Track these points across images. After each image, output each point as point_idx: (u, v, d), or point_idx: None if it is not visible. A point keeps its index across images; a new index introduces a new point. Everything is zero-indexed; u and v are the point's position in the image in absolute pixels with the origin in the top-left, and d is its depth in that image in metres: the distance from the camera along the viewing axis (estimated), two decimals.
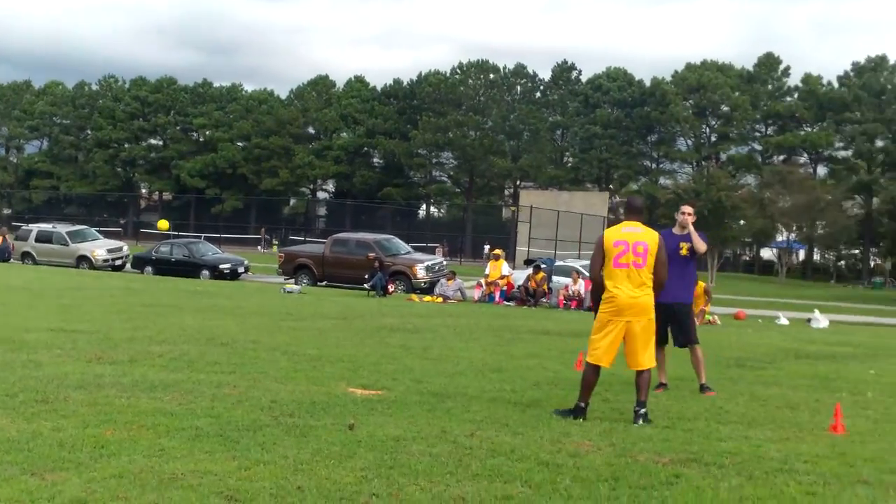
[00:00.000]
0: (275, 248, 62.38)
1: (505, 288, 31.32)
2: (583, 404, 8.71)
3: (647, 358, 8.71)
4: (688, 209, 11.18)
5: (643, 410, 8.55)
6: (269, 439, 7.10)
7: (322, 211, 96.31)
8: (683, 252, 10.91)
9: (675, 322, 10.89)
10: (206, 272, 38.34)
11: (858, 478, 6.65)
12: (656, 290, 8.80)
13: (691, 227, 10.99)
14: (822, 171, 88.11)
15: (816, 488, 6.28)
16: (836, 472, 6.77)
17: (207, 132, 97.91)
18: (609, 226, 60.74)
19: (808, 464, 7.02)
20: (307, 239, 57.80)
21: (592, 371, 8.78)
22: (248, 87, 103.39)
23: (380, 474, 6.18)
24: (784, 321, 27.68)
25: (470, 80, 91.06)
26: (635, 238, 8.69)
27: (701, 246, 10.95)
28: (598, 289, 9.10)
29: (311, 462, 6.44)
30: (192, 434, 7.19)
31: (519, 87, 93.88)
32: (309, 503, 5.44)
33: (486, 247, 71.91)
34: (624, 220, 9.03)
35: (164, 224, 24.36)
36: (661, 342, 10.43)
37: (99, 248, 42.56)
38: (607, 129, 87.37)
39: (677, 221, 11.16)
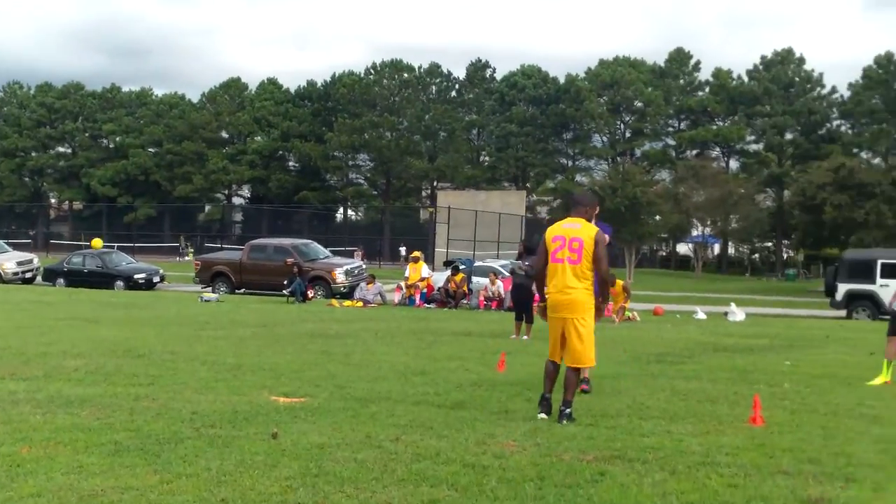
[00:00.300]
0: (190, 256, 61.53)
1: (425, 290, 31.31)
2: (547, 395, 8.73)
3: (577, 356, 8.61)
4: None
5: (568, 410, 8.51)
6: (190, 451, 7.00)
7: (238, 217, 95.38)
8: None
9: None
10: (120, 283, 37.70)
11: (778, 468, 6.76)
12: (601, 287, 8.76)
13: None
14: (734, 164, 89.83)
15: (738, 480, 6.38)
16: (756, 464, 6.88)
17: (117, 138, 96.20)
18: (527, 225, 61.05)
19: (729, 456, 7.13)
20: (224, 246, 57.12)
21: (550, 364, 8.82)
22: (159, 92, 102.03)
23: (305, 483, 6.12)
24: (701, 315, 28.11)
25: (384, 81, 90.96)
26: (572, 233, 8.65)
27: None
28: (538, 285, 9.09)
29: (235, 473, 6.35)
30: (112, 449, 7.05)
31: (434, 87, 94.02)
32: None
33: (403, 249, 71.90)
34: (569, 215, 8.98)
35: (97, 243, 23.58)
36: None
37: (8, 261, 41.54)
38: (523, 126, 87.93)
39: None
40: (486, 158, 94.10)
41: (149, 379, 10.81)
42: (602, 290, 8.79)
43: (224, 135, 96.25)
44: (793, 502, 5.84)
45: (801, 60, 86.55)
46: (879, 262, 29.98)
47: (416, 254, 32.82)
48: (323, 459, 6.78)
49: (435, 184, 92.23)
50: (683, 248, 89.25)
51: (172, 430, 7.76)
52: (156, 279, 39.13)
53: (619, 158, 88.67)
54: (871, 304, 29.61)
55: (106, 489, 5.90)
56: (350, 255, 56.16)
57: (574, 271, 8.56)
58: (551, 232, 8.81)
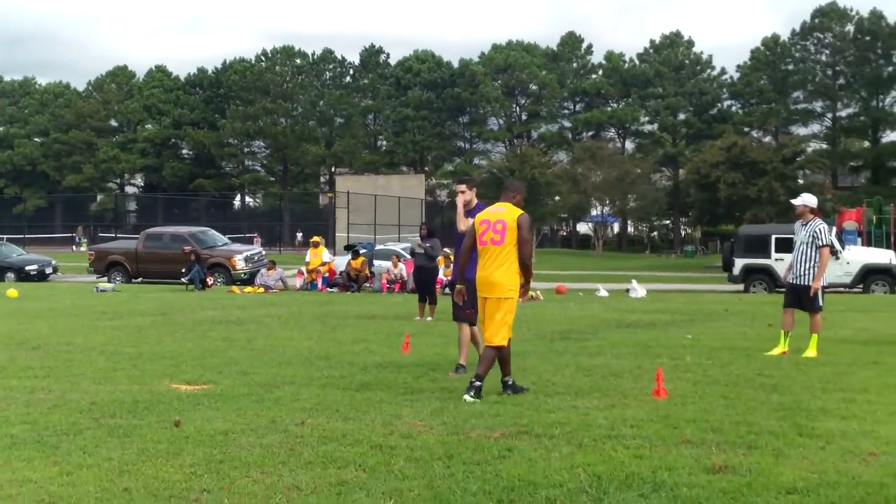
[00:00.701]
0: (84, 246, 60.14)
1: (327, 275, 31.13)
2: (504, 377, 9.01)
3: (490, 334, 8.72)
4: (460, 187, 10.63)
5: (478, 383, 8.56)
6: (90, 442, 6.82)
7: (132, 206, 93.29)
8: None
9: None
10: (10, 275, 36.68)
11: (682, 438, 6.85)
12: (522, 269, 8.76)
13: (460, 208, 10.46)
14: (630, 145, 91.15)
15: (643, 451, 6.44)
16: (661, 435, 6.96)
17: (1, 128, 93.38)
18: (427, 208, 61.04)
19: (634, 428, 7.19)
20: (118, 235, 55.94)
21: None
22: (42, 81, 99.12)
23: (210, 469, 6.00)
24: (604, 293, 28.44)
25: (276, 67, 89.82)
26: (497, 216, 8.82)
27: (460, 225, 10.34)
28: (457, 267, 9.48)
29: (137, 462, 6.20)
30: (8, 443, 6.84)
31: (328, 73, 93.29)
32: None
33: (299, 235, 71.25)
34: (499, 201, 9.08)
35: (12, 293, 22.50)
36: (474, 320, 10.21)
37: None
38: (419, 111, 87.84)
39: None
40: (384, 143, 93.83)
41: (44, 371, 10.52)
42: (523, 271, 8.80)
43: (113, 123, 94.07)
44: (697, 471, 5.90)
45: (690, 43, 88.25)
46: (774, 237, 30.69)
47: (316, 239, 32.57)
48: (227, 445, 6.67)
49: (333, 169, 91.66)
50: (584, 228, 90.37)
51: (70, 422, 7.55)
52: (48, 270, 38.17)
53: (516, 141, 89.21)
54: (768, 277, 30.36)
55: (3, 483, 5.72)
56: (249, 241, 55.61)
57: (497, 252, 8.71)
58: (479, 217, 9.03)
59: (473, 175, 76.52)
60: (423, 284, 19.22)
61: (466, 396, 8.48)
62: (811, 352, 12.10)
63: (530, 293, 25.80)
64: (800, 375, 10.17)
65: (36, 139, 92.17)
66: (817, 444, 6.68)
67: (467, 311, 10.12)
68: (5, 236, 56.70)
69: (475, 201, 10.46)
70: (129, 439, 6.91)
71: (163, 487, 5.59)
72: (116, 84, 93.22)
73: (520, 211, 8.87)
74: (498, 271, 8.70)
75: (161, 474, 5.89)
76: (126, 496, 5.41)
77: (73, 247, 68.07)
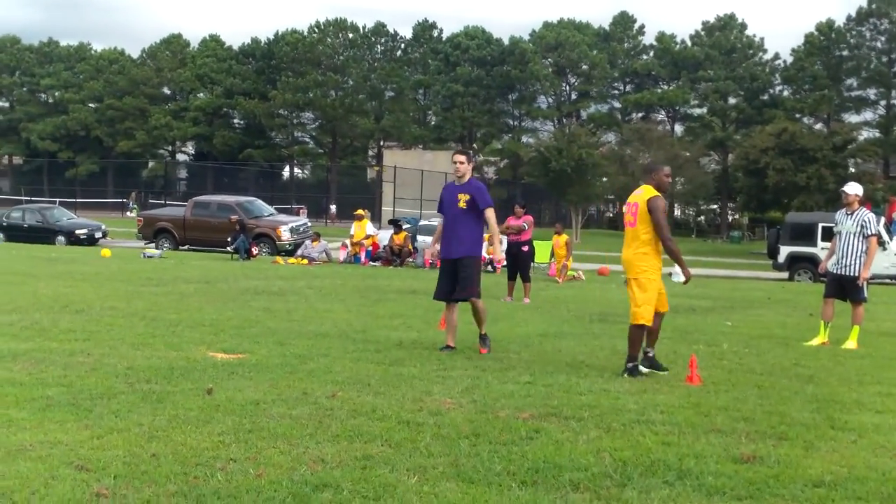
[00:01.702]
0: (134, 213, 60.82)
1: (370, 248, 31.22)
2: (646, 350, 9.36)
3: (632, 313, 9.17)
4: (459, 157, 10.56)
5: (631, 364, 9.00)
6: (123, 407, 6.90)
7: (182, 173, 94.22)
8: (461, 205, 10.37)
9: (458, 275, 10.39)
10: (61, 238, 37.21)
11: (712, 426, 6.81)
12: (667, 252, 9.29)
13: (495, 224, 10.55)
14: (679, 128, 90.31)
15: (672, 438, 6.41)
16: (690, 422, 6.92)
17: (56, 93, 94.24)
18: None
19: (664, 414, 7.16)
20: (167, 202, 56.51)
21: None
22: (98, 47, 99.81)
23: (238, 438, 6.06)
24: None
25: (329, 40, 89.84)
26: (634, 199, 9.26)
27: (491, 221, 10.38)
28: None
29: (167, 428, 6.27)
30: (43, 404, 6.93)
31: (379, 47, 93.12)
32: (164, 470, 5.28)
33: (333, 207, 71.02)
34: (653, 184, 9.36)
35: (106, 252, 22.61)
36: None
37: None
38: (469, 87, 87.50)
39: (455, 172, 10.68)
40: (433, 118, 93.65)
41: (85, 334, 10.65)
42: (668, 254, 9.33)
43: (166, 91, 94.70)
44: (725, 460, 5.87)
45: (743, 26, 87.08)
46: (820, 225, 30.36)
47: (361, 212, 32.65)
48: (257, 415, 6.72)
49: (381, 143, 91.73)
50: None
51: (106, 386, 7.64)
52: (98, 235, 38.65)
53: (564, 120, 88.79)
54: (813, 266, 29.98)
55: (34, 444, 5.79)
56: (296, 213, 55.91)
57: (631, 234, 9.23)
58: (628, 200, 9.49)
59: (521, 154, 76.19)
60: None
61: (625, 373, 8.86)
62: (851, 343, 11.96)
63: (571, 273, 25.75)
64: (837, 367, 10.07)
65: (90, 105, 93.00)
66: (849, 438, 6.61)
67: (460, 289, 10.37)
68: (57, 200, 57.47)
69: (468, 175, 10.51)
70: (161, 405, 6.99)
71: (190, 454, 5.65)
72: (170, 52, 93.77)
73: (653, 193, 9.16)
74: (629, 251, 9.21)
75: (190, 441, 5.96)
76: (154, 461, 5.48)
77: (124, 212, 68.79)
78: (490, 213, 10.29)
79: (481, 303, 10.49)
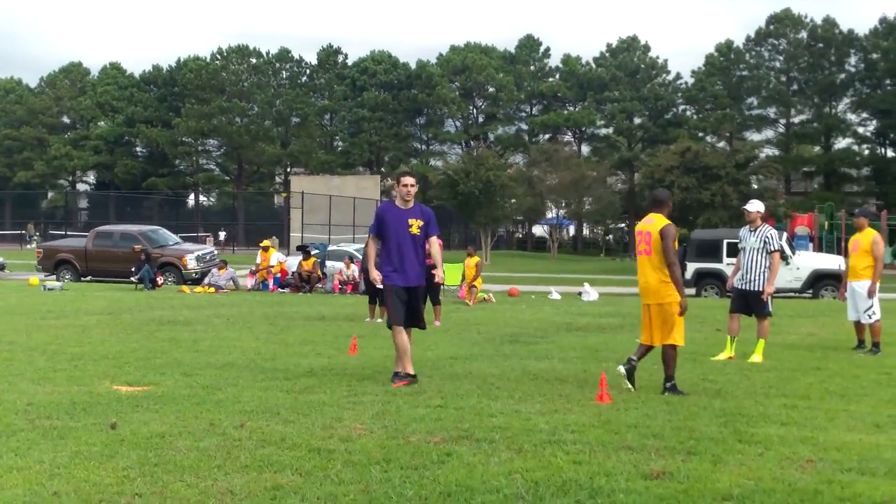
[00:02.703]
0: (34, 244, 59.37)
1: (279, 275, 30.93)
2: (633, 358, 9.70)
3: (662, 335, 9.52)
4: (409, 180, 10.13)
5: (669, 384, 9.41)
6: (23, 444, 6.69)
7: (84, 203, 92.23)
8: (414, 230, 10.02)
9: (414, 302, 10.19)
10: None
11: (622, 444, 6.84)
12: (672, 279, 9.45)
13: (436, 250, 10.41)
14: (585, 148, 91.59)
15: (583, 457, 6.42)
16: (601, 440, 6.95)
17: None
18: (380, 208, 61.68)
19: (576, 433, 7.18)
20: (68, 233, 55.29)
21: (641, 344, 9.91)
22: None
23: (143, 472, 5.91)
24: (556, 296, 28.44)
25: (232, 66, 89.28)
26: (647, 228, 9.64)
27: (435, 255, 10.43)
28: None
29: (70, 465, 6.09)
30: None
31: (284, 72, 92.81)
32: None
33: (222, 234, 69.41)
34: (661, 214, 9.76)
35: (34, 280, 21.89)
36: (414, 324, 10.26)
37: None
38: (375, 112, 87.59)
39: (398, 195, 10.26)
40: (340, 143, 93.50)
41: None
42: (670, 279, 9.49)
43: (66, 120, 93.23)
44: (635, 477, 5.89)
45: (647, 47, 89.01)
46: (725, 241, 30.88)
47: (266, 242, 32.35)
48: (163, 448, 6.57)
49: (288, 169, 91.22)
50: (539, 230, 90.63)
51: (5, 423, 7.42)
52: None
53: (472, 143, 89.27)
54: (719, 282, 30.50)
55: None
56: (203, 241, 55.21)
57: (647, 262, 9.59)
58: (636, 228, 9.88)
59: (429, 177, 76.37)
60: (375, 286, 19.05)
61: (666, 392, 9.27)
62: (757, 357, 12.18)
63: (481, 294, 25.82)
64: (744, 381, 10.23)
65: None
66: (756, 451, 6.70)
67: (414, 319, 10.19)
68: None
69: (412, 202, 10.24)
70: (63, 441, 6.79)
71: (94, 491, 5.49)
72: (70, 80, 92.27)
73: (666, 222, 9.62)
74: (651, 279, 9.58)
75: (93, 477, 5.79)
76: (55, 500, 5.31)
77: (23, 244, 67.13)
78: (436, 240, 10.26)
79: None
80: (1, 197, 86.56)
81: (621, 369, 9.53)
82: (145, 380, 9.83)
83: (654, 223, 9.60)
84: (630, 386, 9.46)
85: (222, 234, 67.98)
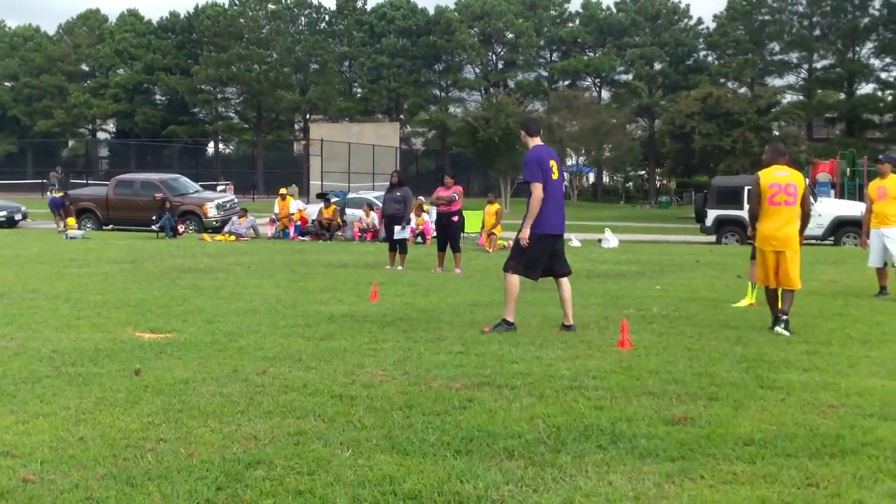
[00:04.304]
0: (56, 192, 59.56)
1: (299, 223, 31.00)
2: (775, 316, 10.11)
3: (791, 280, 10.13)
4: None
5: (784, 317, 9.90)
6: (48, 391, 6.75)
7: (104, 152, 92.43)
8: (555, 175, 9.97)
9: (559, 252, 10.19)
10: None
11: (644, 389, 6.85)
12: (804, 222, 10.29)
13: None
14: (606, 95, 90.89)
15: (604, 402, 6.44)
16: (622, 386, 6.96)
17: None
18: (402, 156, 60.93)
19: (597, 379, 7.19)
20: (89, 182, 55.44)
21: (769, 290, 10.37)
22: (12, 24, 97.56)
23: (168, 418, 5.96)
24: (576, 243, 28.37)
25: (250, 13, 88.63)
26: (786, 180, 10.13)
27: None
28: (752, 222, 10.48)
29: (94, 411, 6.15)
30: None
31: (303, 19, 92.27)
32: (92, 453, 5.16)
33: (221, 186, 67.21)
34: (773, 164, 10.30)
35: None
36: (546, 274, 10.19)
37: None
38: (394, 58, 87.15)
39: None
40: (359, 90, 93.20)
41: (6, 318, 10.41)
42: (804, 225, 10.38)
43: (84, 68, 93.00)
44: (657, 422, 5.91)
45: None
46: (746, 188, 30.62)
47: (283, 190, 32.43)
48: (187, 394, 6.62)
49: (308, 116, 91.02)
50: None
51: (30, 370, 7.48)
52: (17, 216, 37.82)
53: (491, 89, 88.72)
54: (740, 229, 30.38)
55: None
56: (222, 189, 55.25)
57: (790, 212, 10.13)
58: (766, 179, 10.19)
59: (449, 124, 75.68)
60: (394, 234, 19.07)
61: (778, 328, 9.76)
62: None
63: (500, 242, 25.82)
64: (765, 327, 10.20)
65: (6, 83, 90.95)
66: (778, 396, 6.70)
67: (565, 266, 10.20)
68: None
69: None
70: (87, 388, 6.85)
71: (119, 436, 5.54)
72: (87, 28, 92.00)
73: (801, 174, 10.34)
74: (791, 228, 10.15)
75: (118, 423, 5.84)
76: (81, 445, 5.36)
77: (45, 193, 67.34)
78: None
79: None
80: (22, 146, 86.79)
81: (781, 330, 9.74)
82: (168, 327, 9.89)
83: (791, 175, 10.18)
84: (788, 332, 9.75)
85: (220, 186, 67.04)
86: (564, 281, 10.04)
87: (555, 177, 9.86)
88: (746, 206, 29.59)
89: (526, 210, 9.83)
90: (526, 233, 9.72)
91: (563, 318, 9.97)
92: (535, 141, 10.02)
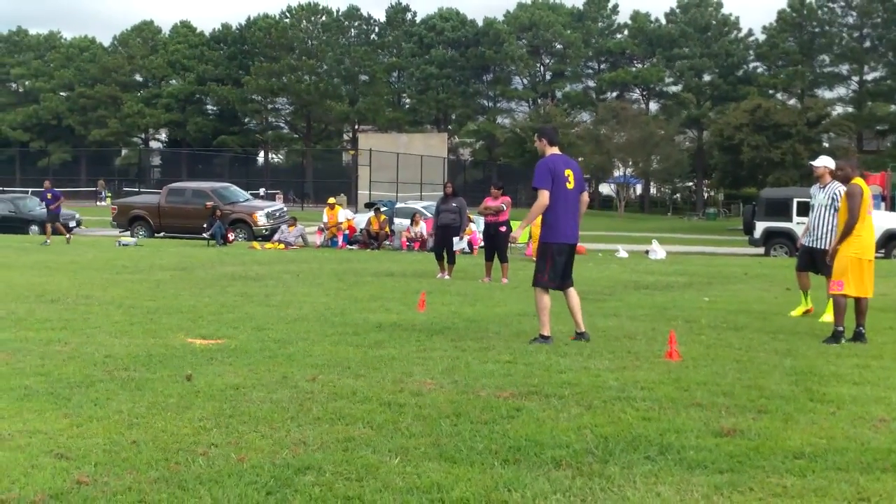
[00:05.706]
0: (109, 201, 60.33)
1: (347, 232, 31.17)
2: (840, 328, 10.13)
3: (869, 288, 10.27)
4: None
5: (861, 329, 10.13)
6: (102, 395, 6.85)
7: (156, 161, 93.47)
8: (571, 185, 9.92)
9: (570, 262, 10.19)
10: (34, 228, 36.86)
11: (692, 401, 6.82)
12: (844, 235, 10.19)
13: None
14: (654, 106, 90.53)
15: (652, 413, 6.42)
16: (671, 397, 6.94)
17: (27, 82, 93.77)
18: (449, 167, 61.09)
19: (645, 390, 7.17)
20: (142, 190, 56.13)
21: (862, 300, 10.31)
22: (67, 35, 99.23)
23: (219, 424, 6.03)
24: (623, 254, 28.29)
25: (301, 24, 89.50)
26: (868, 190, 10.38)
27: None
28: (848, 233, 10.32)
29: (147, 415, 6.24)
30: (21, 394, 6.86)
31: (353, 30, 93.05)
32: (144, 457, 5.25)
33: (262, 190, 65.03)
34: (853, 178, 10.37)
35: None
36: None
37: None
38: (443, 69, 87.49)
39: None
40: (408, 101, 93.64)
41: (61, 323, 10.58)
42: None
43: (138, 78, 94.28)
44: (705, 434, 5.89)
45: (718, 3, 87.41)
46: (795, 200, 30.44)
47: (332, 200, 32.63)
48: (238, 400, 6.70)
49: (356, 126, 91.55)
50: (606, 189, 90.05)
51: (84, 374, 7.59)
52: (72, 224, 38.33)
53: (539, 100, 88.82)
54: (788, 241, 30.09)
55: (13, 433, 5.75)
56: (272, 198, 55.68)
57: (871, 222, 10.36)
58: (866, 190, 10.26)
59: (497, 135, 75.65)
60: (445, 242, 19.08)
61: (861, 342, 9.96)
62: (828, 316, 11.99)
63: None
64: (815, 340, 10.12)
65: (61, 93, 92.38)
66: (828, 410, 6.64)
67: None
68: (30, 189, 56.97)
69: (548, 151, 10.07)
70: (140, 392, 6.95)
71: (171, 441, 5.62)
72: (141, 39, 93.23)
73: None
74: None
75: (170, 427, 5.93)
76: (134, 448, 5.45)
77: (98, 201, 68.26)
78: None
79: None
80: (76, 154, 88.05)
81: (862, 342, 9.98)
82: (218, 333, 10.00)
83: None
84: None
85: (261, 191, 66.19)
86: (572, 291, 10.04)
87: (570, 186, 9.83)
88: (796, 219, 29.65)
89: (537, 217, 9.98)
90: (519, 232, 10.44)
91: (575, 327, 10.01)
92: (553, 150, 10.03)
